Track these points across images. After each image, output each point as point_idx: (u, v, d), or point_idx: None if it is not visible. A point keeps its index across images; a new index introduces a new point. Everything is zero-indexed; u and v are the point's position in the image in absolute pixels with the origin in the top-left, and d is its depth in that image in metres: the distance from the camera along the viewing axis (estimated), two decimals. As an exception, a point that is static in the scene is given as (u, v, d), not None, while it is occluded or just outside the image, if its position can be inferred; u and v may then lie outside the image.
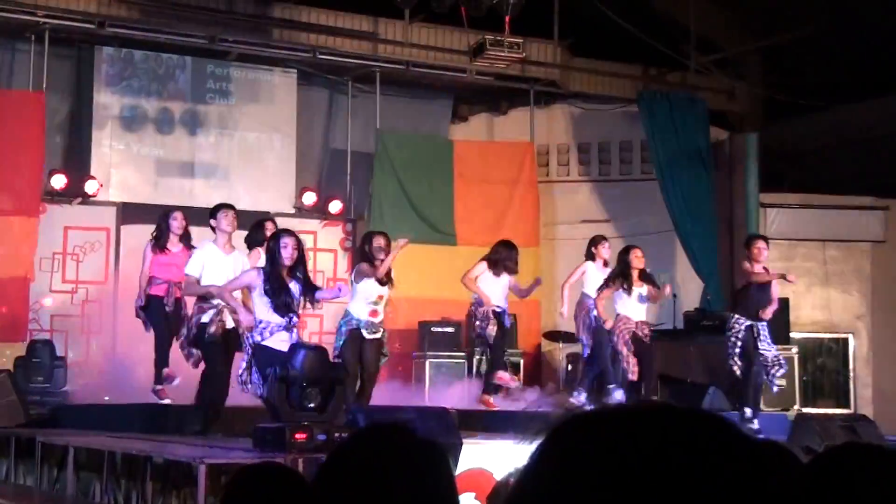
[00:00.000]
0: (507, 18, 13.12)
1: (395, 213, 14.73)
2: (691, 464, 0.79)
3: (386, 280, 10.20)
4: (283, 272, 8.56)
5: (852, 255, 15.68)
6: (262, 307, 8.56)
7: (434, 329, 13.64)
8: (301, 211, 14.86)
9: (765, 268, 10.70)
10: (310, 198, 14.77)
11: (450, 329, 13.68)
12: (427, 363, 13.28)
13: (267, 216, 11.18)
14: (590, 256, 11.61)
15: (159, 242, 10.55)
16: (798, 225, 15.67)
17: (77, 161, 13.90)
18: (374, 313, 10.13)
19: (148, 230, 13.63)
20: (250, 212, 14.33)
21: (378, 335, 10.15)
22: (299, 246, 8.71)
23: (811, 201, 15.74)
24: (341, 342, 10.03)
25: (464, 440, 7.71)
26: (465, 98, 16.42)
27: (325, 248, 14.98)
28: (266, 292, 8.50)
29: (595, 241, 11.75)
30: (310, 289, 8.72)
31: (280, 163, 14.86)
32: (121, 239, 13.70)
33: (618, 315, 10.84)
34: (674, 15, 15.25)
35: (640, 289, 10.82)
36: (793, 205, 15.80)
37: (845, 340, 15.54)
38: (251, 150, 14.72)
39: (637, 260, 10.84)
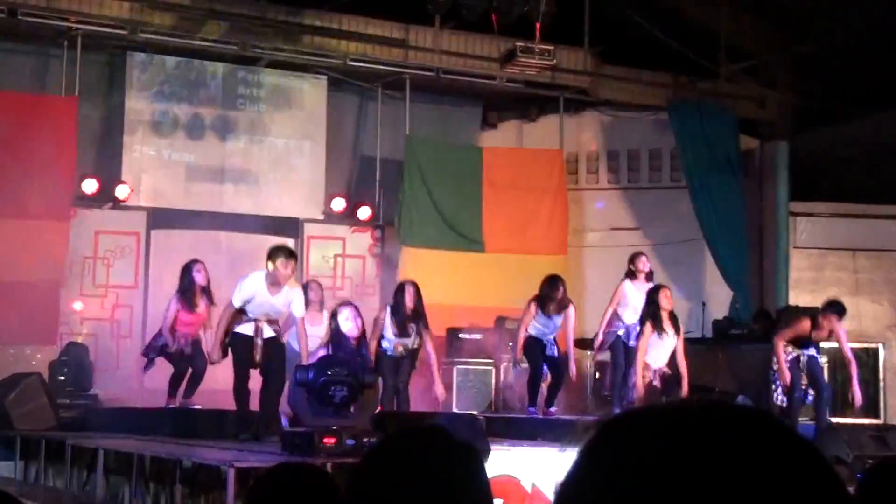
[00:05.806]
0: (537, 25, 13.12)
1: (424, 219, 14.73)
2: (745, 460, 0.80)
3: (411, 331, 10.42)
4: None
5: (883, 264, 15.56)
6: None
7: (461, 336, 13.62)
8: (330, 217, 14.90)
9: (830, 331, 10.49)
10: (339, 204, 14.80)
11: (477, 336, 13.66)
12: (454, 370, 13.26)
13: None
14: (630, 274, 11.43)
15: (186, 297, 10.71)
16: (828, 234, 15.56)
17: (108, 166, 13.98)
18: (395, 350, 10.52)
19: (177, 235, 13.87)
20: (279, 217, 14.49)
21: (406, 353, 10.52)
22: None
23: (841, 210, 15.64)
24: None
25: (491, 447, 7.71)
26: (495, 105, 16.42)
27: (354, 254, 15.02)
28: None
29: (633, 258, 11.55)
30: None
31: (310, 169, 14.90)
32: (151, 244, 13.78)
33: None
34: (704, 23, 15.19)
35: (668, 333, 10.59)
36: (823, 214, 15.70)
37: (875, 350, 15.39)
38: (281, 156, 14.77)
39: (666, 301, 10.59)
